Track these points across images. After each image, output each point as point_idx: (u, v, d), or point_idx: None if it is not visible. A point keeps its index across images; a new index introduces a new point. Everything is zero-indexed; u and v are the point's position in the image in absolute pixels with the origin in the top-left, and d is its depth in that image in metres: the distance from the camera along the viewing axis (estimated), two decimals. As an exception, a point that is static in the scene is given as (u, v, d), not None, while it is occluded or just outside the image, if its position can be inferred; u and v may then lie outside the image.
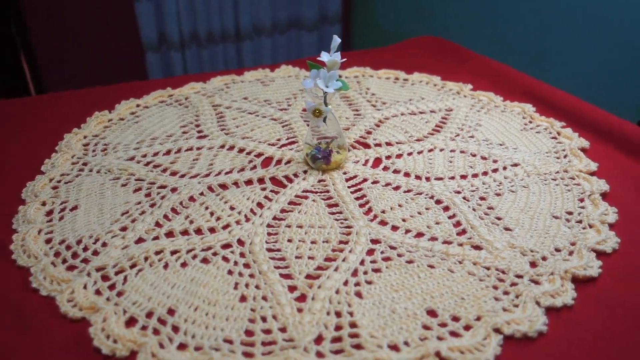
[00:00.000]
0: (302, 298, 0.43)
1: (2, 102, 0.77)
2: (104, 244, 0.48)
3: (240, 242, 0.49)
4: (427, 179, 0.59)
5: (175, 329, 0.40)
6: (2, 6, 1.65)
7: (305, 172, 0.59)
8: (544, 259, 0.46)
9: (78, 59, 1.81)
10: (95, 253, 0.47)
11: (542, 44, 1.31)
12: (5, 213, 0.53)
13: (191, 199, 0.55)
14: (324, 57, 0.55)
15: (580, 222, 0.51)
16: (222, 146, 0.65)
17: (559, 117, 0.71)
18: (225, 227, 0.51)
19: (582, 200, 0.55)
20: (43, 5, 1.71)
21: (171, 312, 0.41)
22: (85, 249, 0.48)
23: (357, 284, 0.44)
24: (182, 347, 0.38)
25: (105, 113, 0.72)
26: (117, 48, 1.85)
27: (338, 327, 0.40)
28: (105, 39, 1.82)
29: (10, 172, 0.60)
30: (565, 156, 0.62)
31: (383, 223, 0.51)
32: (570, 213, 0.53)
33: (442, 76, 0.84)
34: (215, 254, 0.47)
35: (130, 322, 0.41)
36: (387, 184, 0.58)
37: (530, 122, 0.71)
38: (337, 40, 0.55)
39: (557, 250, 0.48)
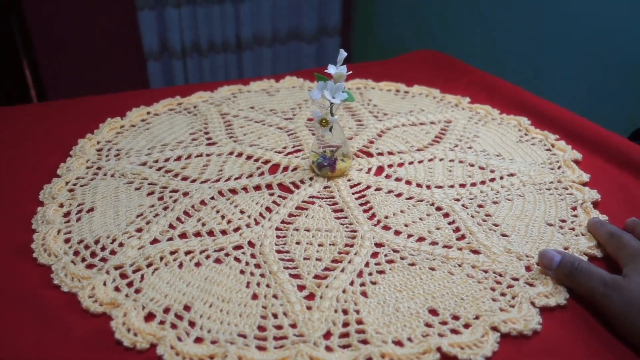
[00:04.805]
0: (310, 297, 0.45)
1: (13, 108, 0.80)
2: (121, 244, 0.51)
3: (251, 244, 0.51)
4: (428, 187, 0.61)
5: (192, 323, 0.42)
6: (4, 13, 1.67)
7: (311, 178, 0.62)
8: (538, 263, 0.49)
9: (80, 67, 1.84)
10: (113, 252, 0.50)
11: (536, 59, 1.35)
12: (23, 214, 0.55)
13: (202, 202, 0.57)
14: (331, 69, 0.58)
15: (573, 229, 0.54)
16: (231, 153, 0.68)
17: (553, 130, 0.74)
18: (236, 229, 0.53)
19: (574, 208, 0.57)
20: (45, 12, 1.73)
21: (187, 308, 0.44)
22: (103, 249, 0.50)
23: (362, 284, 0.46)
24: (198, 340, 0.41)
25: (117, 120, 0.74)
26: (119, 56, 1.88)
27: (345, 324, 0.42)
28: (107, 47, 1.85)
29: (27, 175, 0.62)
30: (559, 167, 0.65)
31: (386, 228, 0.54)
32: (563, 221, 0.56)
33: (441, 89, 0.87)
34: (227, 254, 0.50)
35: (149, 317, 0.43)
36: (390, 191, 0.60)
37: (526, 134, 0.74)
38: (343, 53, 0.58)
39: (551, 255, 0.50)
